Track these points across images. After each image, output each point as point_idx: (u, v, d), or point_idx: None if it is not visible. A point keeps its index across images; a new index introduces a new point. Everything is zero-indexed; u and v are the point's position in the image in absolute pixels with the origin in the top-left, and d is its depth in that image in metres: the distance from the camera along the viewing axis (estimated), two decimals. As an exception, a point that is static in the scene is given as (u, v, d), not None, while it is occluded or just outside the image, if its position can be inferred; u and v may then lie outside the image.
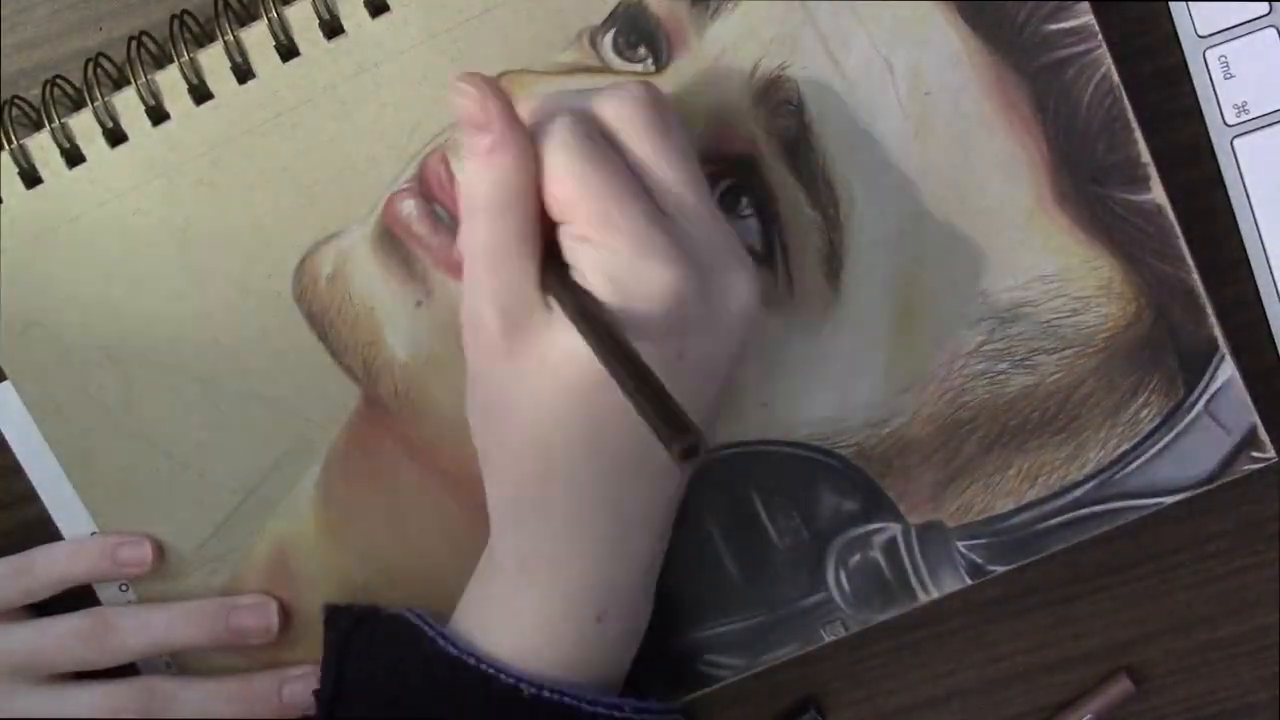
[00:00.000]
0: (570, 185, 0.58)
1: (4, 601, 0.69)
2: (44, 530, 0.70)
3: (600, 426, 0.59)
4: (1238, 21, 0.67)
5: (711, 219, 0.60)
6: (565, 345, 0.58)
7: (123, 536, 0.70)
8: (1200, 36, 0.67)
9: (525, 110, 0.61)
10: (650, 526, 0.63)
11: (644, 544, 0.63)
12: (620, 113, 0.60)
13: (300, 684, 0.69)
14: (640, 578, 0.63)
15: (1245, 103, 0.67)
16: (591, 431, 0.59)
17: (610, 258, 0.58)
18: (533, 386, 0.59)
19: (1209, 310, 0.65)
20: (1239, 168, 0.67)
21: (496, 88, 0.59)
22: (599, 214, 0.58)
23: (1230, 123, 0.67)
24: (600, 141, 0.59)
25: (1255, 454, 0.66)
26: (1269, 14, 0.66)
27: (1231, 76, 0.67)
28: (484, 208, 0.59)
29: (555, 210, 0.59)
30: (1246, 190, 0.68)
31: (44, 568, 0.70)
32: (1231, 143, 0.67)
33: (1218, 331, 0.65)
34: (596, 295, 0.58)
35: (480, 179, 0.59)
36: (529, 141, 0.59)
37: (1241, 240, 0.68)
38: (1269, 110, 0.67)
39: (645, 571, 0.63)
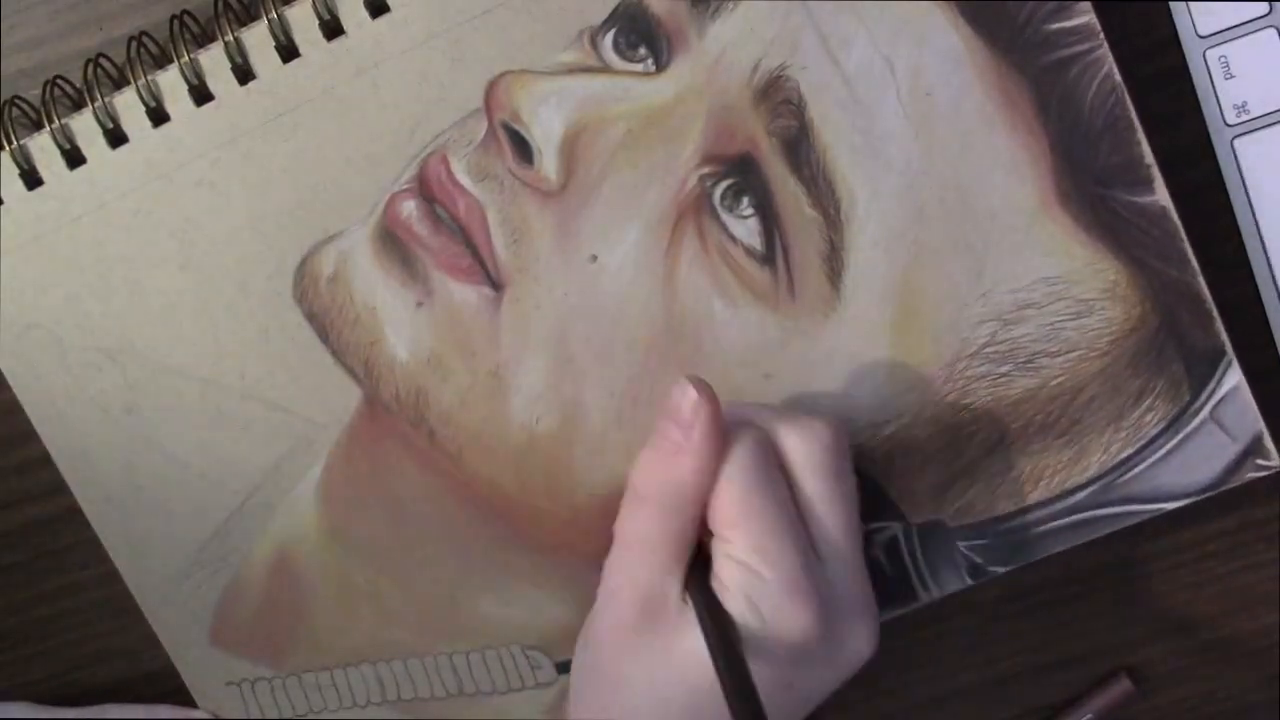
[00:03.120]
0: (738, 510, 0.60)
1: None
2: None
3: None
4: (1238, 21, 0.66)
5: (858, 569, 0.63)
6: (692, 648, 0.60)
7: (191, 711, 0.72)
8: (1200, 36, 0.67)
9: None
10: None
11: None
12: (803, 450, 0.62)
13: None
14: None
15: (1245, 103, 0.67)
16: None
17: (757, 585, 0.60)
18: (650, 674, 0.61)
19: (1215, 315, 0.65)
20: (1239, 168, 0.67)
21: (714, 399, 0.61)
22: (758, 545, 0.60)
23: (1230, 123, 0.67)
24: (776, 473, 0.61)
25: (1260, 461, 0.66)
26: (1269, 14, 0.66)
27: (1231, 76, 0.67)
28: (653, 501, 0.61)
29: (716, 523, 0.61)
30: (1247, 190, 0.68)
31: None
32: (1232, 143, 0.67)
33: (1224, 337, 0.65)
34: (731, 611, 0.60)
35: (656, 473, 0.61)
36: (718, 455, 0.61)
37: (1242, 241, 0.68)
38: (1269, 110, 0.67)
39: None
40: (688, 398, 0.60)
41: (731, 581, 0.60)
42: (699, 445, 0.60)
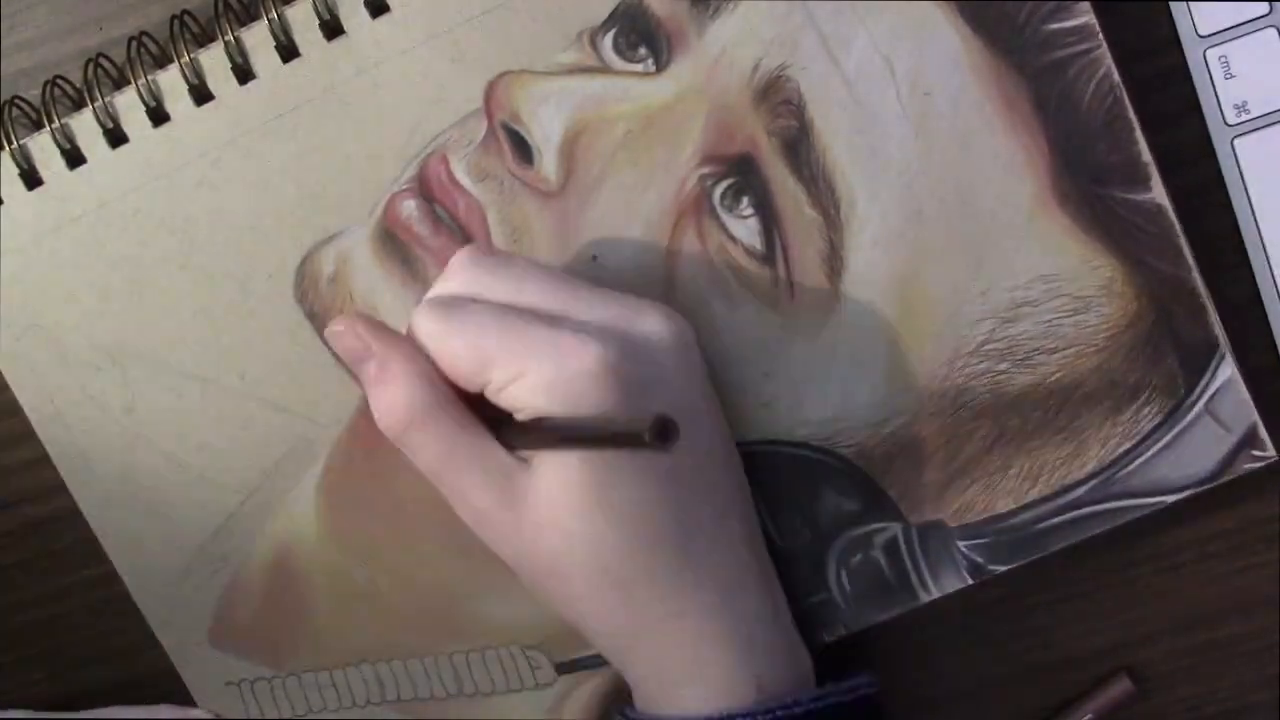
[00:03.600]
0: (460, 355, 0.60)
1: None
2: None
3: (640, 508, 0.60)
4: (1238, 21, 0.66)
5: (596, 294, 0.62)
6: (560, 476, 0.60)
7: (188, 709, 0.71)
8: (1200, 36, 0.67)
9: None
10: (737, 562, 0.63)
11: (741, 552, 0.64)
12: (460, 281, 0.62)
13: None
14: (757, 568, 0.64)
15: (1245, 102, 0.67)
16: (637, 521, 0.60)
17: (535, 379, 0.59)
18: (559, 529, 0.60)
19: (1210, 310, 0.65)
20: (1239, 168, 0.67)
21: (362, 316, 0.63)
22: (498, 356, 0.60)
23: (1230, 123, 0.67)
24: (463, 302, 0.61)
25: (1256, 453, 0.66)
26: (1269, 14, 0.66)
27: (1232, 76, 0.67)
28: (412, 424, 0.61)
29: (469, 383, 0.61)
30: (1247, 190, 0.68)
31: None
32: (1232, 143, 0.67)
33: (1218, 331, 0.65)
34: (546, 414, 0.59)
35: (389, 402, 0.61)
36: (410, 346, 0.61)
37: (1242, 240, 0.68)
38: (1269, 110, 0.67)
39: (759, 563, 0.65)
40: (344, 334, 0.62)
41: (520, 399, 0.60)
42: (386, 349, 0.61)
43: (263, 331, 0.67)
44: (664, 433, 0.50)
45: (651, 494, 0.60)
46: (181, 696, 0.72)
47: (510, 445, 0.61)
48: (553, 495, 0.60)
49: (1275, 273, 0.68)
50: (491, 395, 0.61)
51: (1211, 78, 0.67)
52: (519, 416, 0.60)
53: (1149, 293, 0.65)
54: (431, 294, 0.63)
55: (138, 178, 0.67)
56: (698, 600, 0.61)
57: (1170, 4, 0.67)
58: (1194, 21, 0.67)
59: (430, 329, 0.61)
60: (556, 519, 0.60)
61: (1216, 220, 0.68)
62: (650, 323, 0.62)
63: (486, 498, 0.61)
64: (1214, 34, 0.67)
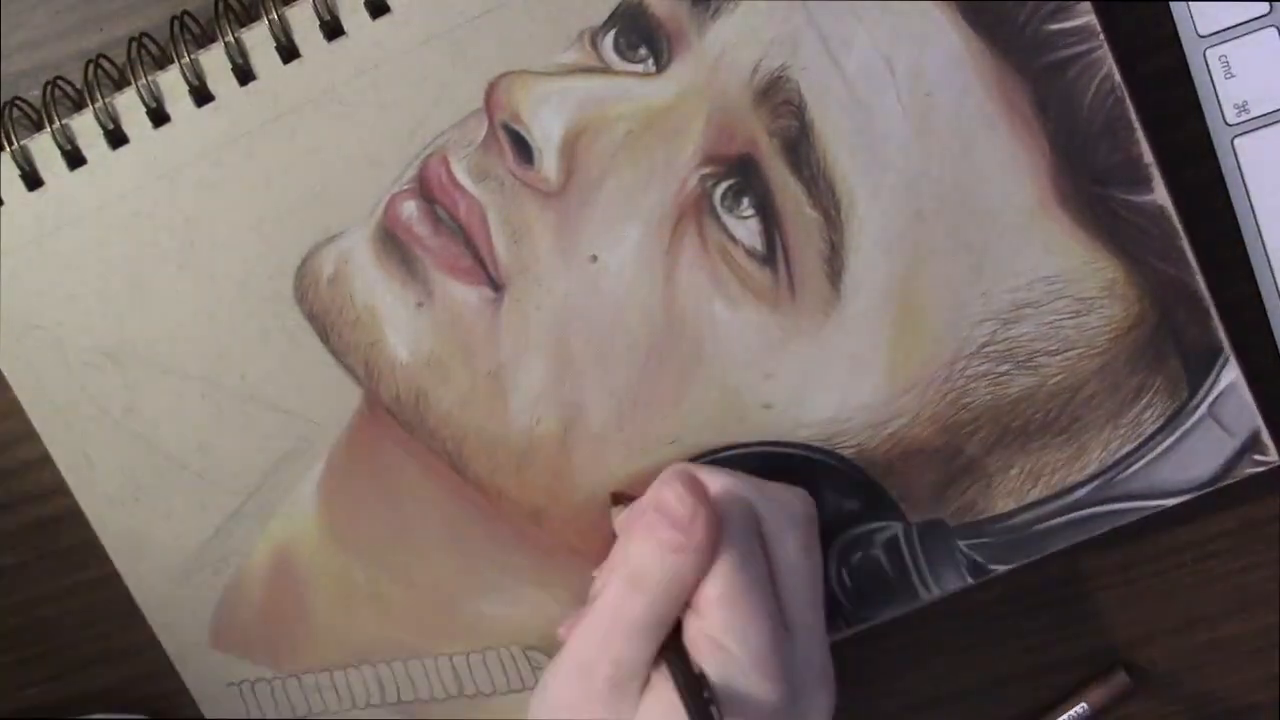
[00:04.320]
0: (722, 593, 0.61)
1: None
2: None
3: None
4: (1238, 21, 0.66)
5: (821, 641, 0.64)
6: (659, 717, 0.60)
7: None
8: (1200, 36, 0.67)
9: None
10: None
11: None
12: (781, 523, 0.63)
13: None
14: None
15: (1246, 102, 0.67)
16: None
17: (728, 662, 0.60)
18: None
19: (1213, 313, 0.65)
20: (1239, 168, 0.67)
21: (707, 496, 0.61)
22: (734, 623, 0.60)
23: (1231, 122, 0.67)
24: (757, 550, 0.62)
25: (1258, 457, 0.66)
26: (1269, 14, 0.66)
27: (1232, 76, 0.67)
28: (650, 590, 0.61)
29: (696, 599, 0.61)
30: (1247, 190, 0.67)
31: None
32: (1232, 142, 0.67)
33: (1222, 334, 0.65)
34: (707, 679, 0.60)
35: (654, 564, 0.61)
36: (712, 553, 0.61)
37: (1242, 240, 0.68)
38: (1269, 110, 0.67)
39: None
40: (683, 501, 0.61)
41: (703, 655, 0.61)
42: (700, 544, 0.61)
43: (263, 332, 0.67)
44: None
45: None
46: (182, 697, 0.72)
47: (664, 656, 0.61)
48: None
49: (1275, 273, 0.68)
50: (691, 623, 0.62)
51: (1211, 78, 0.67)
52: (691, 647, 0.61)
53: (1151, 294, 0.65)
54: (759, 502, 0.63)
55: (138, 178, 0.67)
56: None
57: (1170, 4, 0.67)
58: (1194, 21, 0.67)
59: (736, 563, 0.61)
60: None
61: (1217, 220, 0.68)
62: (825, 696, 0.64)
63: (609, 671, 0.61)
64: (1214, 34, 0.67)
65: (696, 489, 0.61)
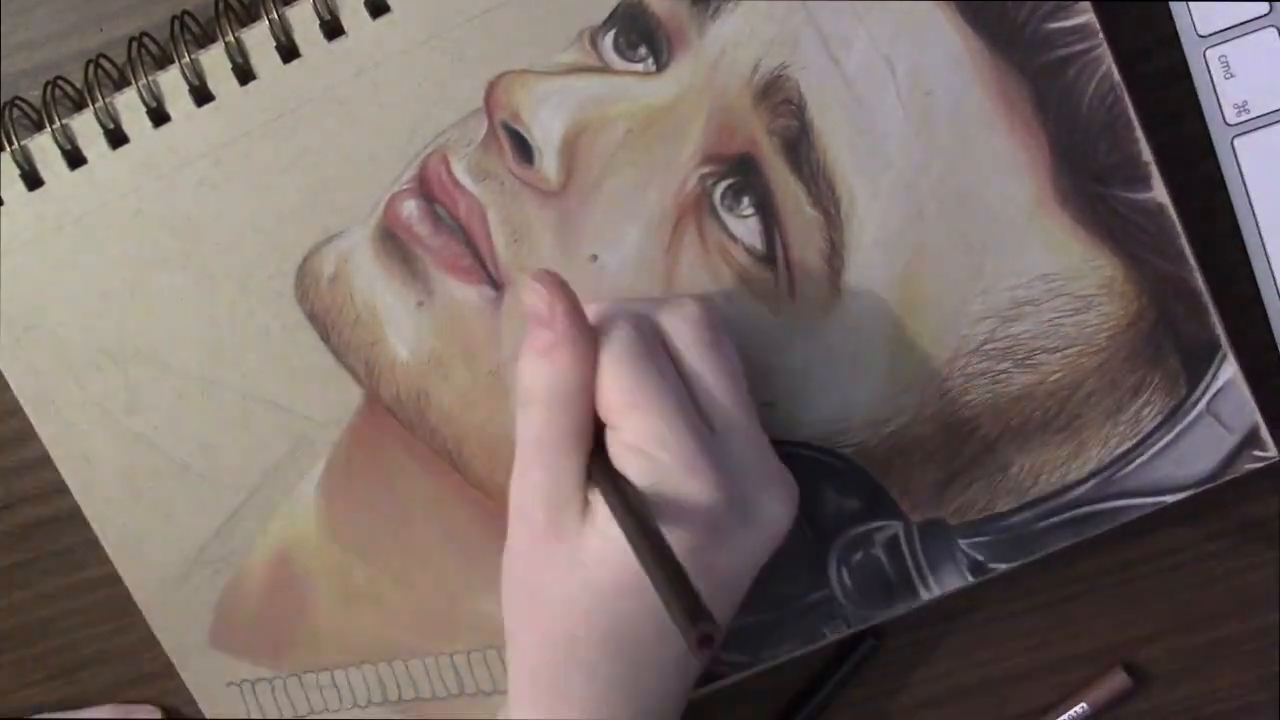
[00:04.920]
0: (624, 396, 0.60)
1: None
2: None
3: (625, 626, 0.61)
4: (1238, 21, 0.66)
5: (755, 436, 0.62)
6: (601, 545, 0.60)
7: (133, 706, 0.73)
8: (1200, 36, 0.67)
9: (591, 312, 0.62)
10: (663, 716, 0.64)
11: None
12: (678, 328, 0.62)
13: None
14: None
15: (1245, 102, 0.67)
16: (616, 630, 0.61)
17: (655, 469, 0.59)
18: (565, 579, 0.61)
19: (1211, 309, 0.65)
20: (1239, 167, 0.67)
21: (565, 288, 0.61)
22: (650, 427, 0.59)
23: (1230, 122, 0.67)
24: (658, 353, 0.61)
25: (1257, 453, 0.66)
26: (1269, 14, 0.66)
27: (1232, 76, 0.67)
28: (539, 401, 0.61)
29: (606, 414, 0.61)
30: (1247, 190, 0.68)
31: None
32: (1232, 142, 0.67)
33: (1220, 330, 0.65)
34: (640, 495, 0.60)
35: (537, 373, 0.61)
36: (590, 344, 0.61)
37: (1242, 240, 0.68)
38: (1269, 110, 0.67)
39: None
40: (539, 293, 0.60)
41: (631, 469, 0.60)
42: (567, 335, 0.60)
43: (263, 331, 0.67)
44: (704, 641, 0.51)
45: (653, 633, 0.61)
46: (182, 696, 0.72)
47: (592, 480, 0.61)
48: (582, 555, 0.61)
49: (1275, 273, 0.68)
50: (610, 438, 0.61)
51: (1211, 77, 0.67)
52: (617, 463, 0.61)
53: (1150, 292, 0.65)
54: (644, 311, 0.63)
55: (138, 178, 0.67)
56: (614, 711, 0.62)
57: (1170, 4, 0.67)
58: (1194, 21, 0.67)
59: (616, 350, 0.60)
60: (569, 573, 0.61)
61: (1216, 220, 0.68)
62: (774, 496, 0.62)
63: (539, 502, 0.61)
64: (1214, 34, 0.67)
65: (551, 283, 0.60)
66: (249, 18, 0.67)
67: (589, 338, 0.61)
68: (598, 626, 0.61)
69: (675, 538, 0.57)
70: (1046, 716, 0.73)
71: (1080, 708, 0.73)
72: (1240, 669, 0.73)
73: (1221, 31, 0.67)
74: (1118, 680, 0.72)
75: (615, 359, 0.60)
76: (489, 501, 0.68)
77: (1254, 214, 0.68)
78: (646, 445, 0.59)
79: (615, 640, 0.61)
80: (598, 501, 0.60)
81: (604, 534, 0.60)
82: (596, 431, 0.62)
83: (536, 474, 0.61)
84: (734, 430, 0.62)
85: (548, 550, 0.61)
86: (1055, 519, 0.67)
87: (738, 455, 0.61)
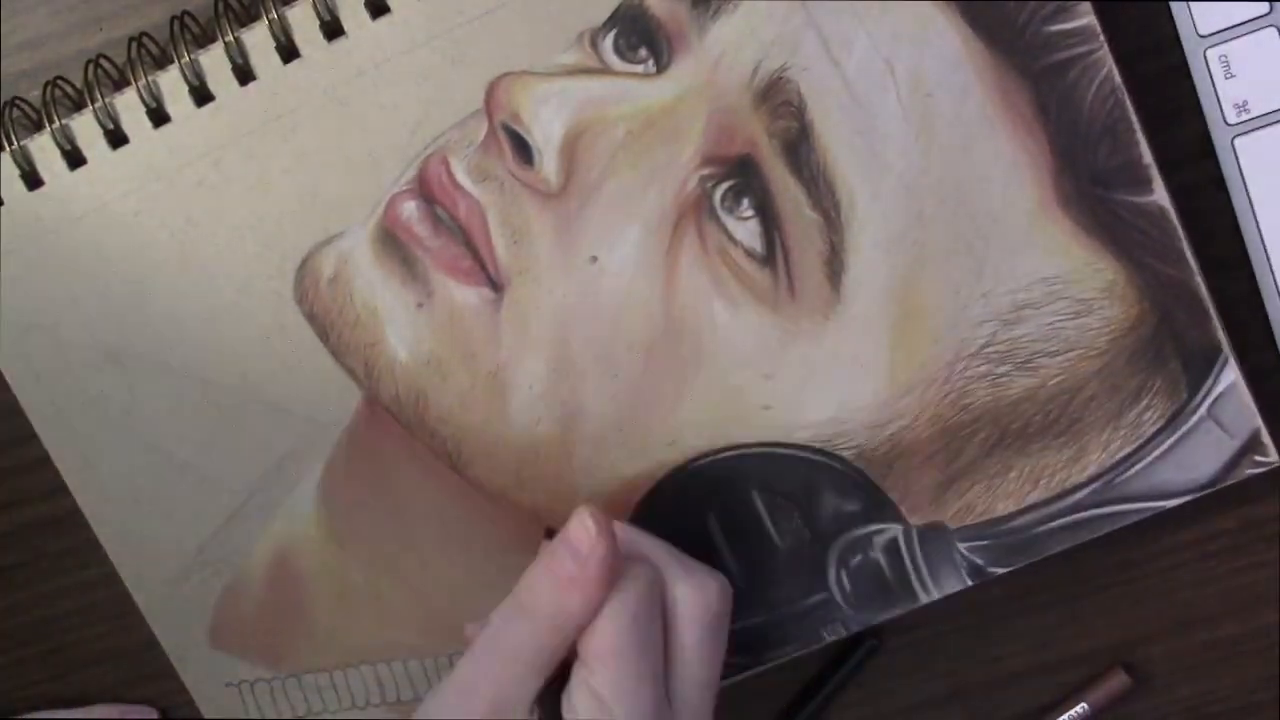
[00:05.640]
0: (610, 645, 0.60)
1: None
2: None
3: None
4: (1238, 21, 0.66)
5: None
6: None
7: (130, 707, 0.73)
8: (1200, 36, 0.67)
9: (620, 534, 0.62)
10: None
11: None
12: (693, 601, 0.62)
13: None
14: None
15: (1246, 102, 0.67)
16: None
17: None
18: None
19: (1212, 313, 0.65)
20: (1240, 167, 0.67)
21: (610, 536, 0.60)
22: (620, 683, 0.60)
23: (1231, 122, 0.67)
24: (656, 615, 0.61)
25: (1258, 458, 0.66)
26: (1269, 14, 0.66)
27: (1232, 76, 0.67)
28: (537, 619, 0.61)
29: (585, 648, 0.61)
30: (1247, 190, 0.68)
31: None
32: (1232, 142, 0.67)
33: (1221, 335, 0.65)
34: None
35: (548, 596, 0.61)
36: (608, 589, 0.61)
37: (1242, 240, 0.68)
38: (1270, 110, 0.67)
39: None
40: (587, 531, 0.60)
41: (584, 710, 0.60)
42: (591, 580, 0.60)
43: (263, 332, 0.67)
44: None
45: None
46: (182, 696, 0.72)
47: (541, 703, 0.61)
48: None
49: (1275, 273, 0.68)
50: (578, 672, 0.61)
51: (1211, 77, 0.67)
52: (564, 705, 0.61)
53: (1151, 296, 0.65)
54: (672, 574, 0.63)
55: (138, 178, 0.67)
56: None
57: (1170, 3, 0.67)
58: (1194, 21, 0.67)
59: (631, 614, 0.60)
60: None
61: (1216, 220, 0.68)
62: None
63: (486, 705, 0.60)
64: (1214, 34, 0.67)
65: (603, 526, 0.61)
66: (249, 18, 0.67)
67: (610, 584, 0.61)
68: None
69: None
70: (1046, 716, 0.73)
71: (1080, 708, 0.73)
72: (1240, 669, 0.73)
73: (1221, 31, 0.67)
74: (1118, 680, 0.72)
75: (621, 608, 0.60)
76: (488, 502, 0.68)
77: (1254, 214, 0.68)
78: (608, 695, 0.60)
79: None
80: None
81: None
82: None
83: (501, 678, 0.61)
84: (691, 714, 0.62)
85: None
86: (1055, 523, 0.67)
87: None
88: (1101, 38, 0.63)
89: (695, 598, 0.62)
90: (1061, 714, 0.73)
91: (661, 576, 0.62)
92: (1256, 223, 0.68)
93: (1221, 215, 0.68)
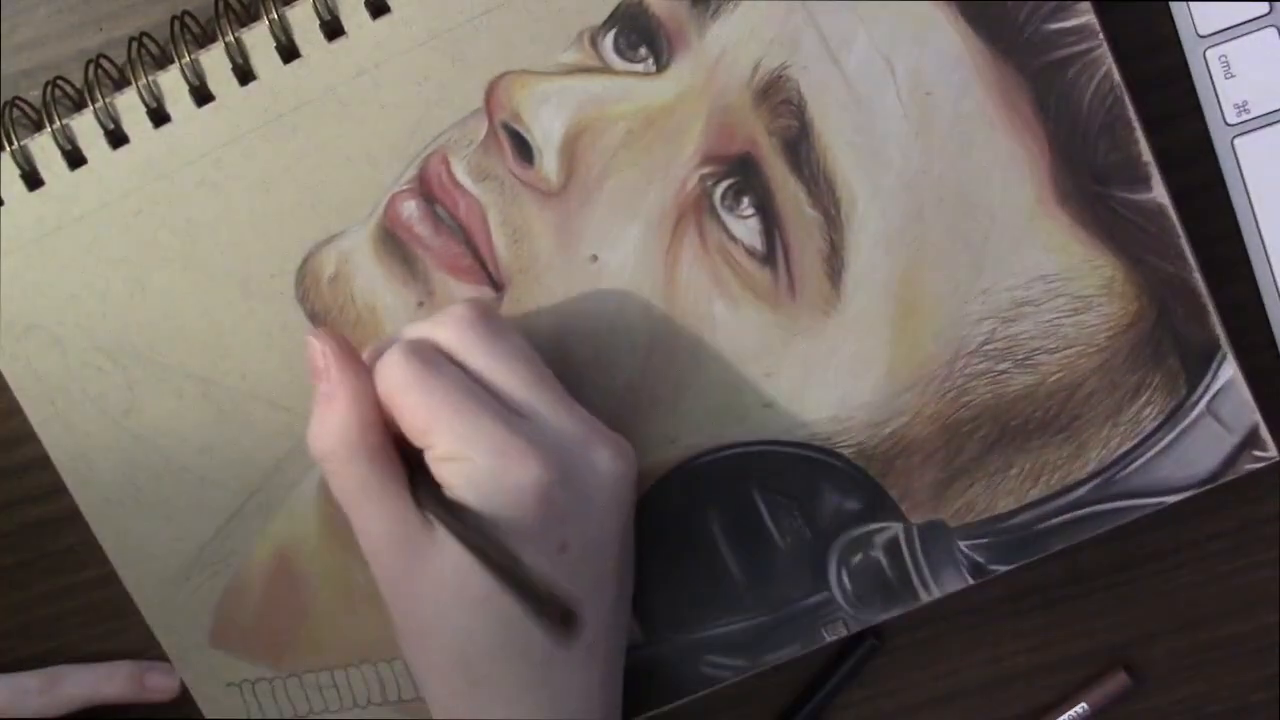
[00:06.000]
0: (419, 416, 0.61)
1: (27, 711, 0.71)
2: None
3: (509, 630, 0.61)
4: (1238, 21, 0.66)
5: (565, 408, 0.63)
6: (454, 561, 0.60)
7: (153, 664, 0.73)
8: (1200, 36, 0.67)
9: (366, 355, 0.63)
10: (588, 704, 0.64)
11: (594, 693, 0.64)
12: (451, 334, 0.63)
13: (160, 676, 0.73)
14: (601, 712, 0.64)
15: (1246, 102, 0.67)
16: (503, 638, 0.61)
17: (472, 469, 0.60)
18: (437, 605, 0.61)
19: (1211, 309, 0.65)
20: (1239, 167, 0.67)
21: (335, 335, 0.62)
22: (454, 435, 0.60)
23: (1231, 122, 0.67)
24: (440, 363, 0.62)
25: (1257, 453, 0.66)
26: (1269, 14, 0.66)
27: (1232, 76, 0.67)
28: (333, 454, 0.62)
29: (413, 439, 0.62)
30: (1247, 190, 0.68)
31: (73, 685, 0.72)
32: (1232, 142, 0.67)
33: (1219, 330, 0.65)
34: (468, 505, 0.60)
35: (325, 427, 0.62)
36: (367, 382, 0.62)
37: (1242, 240, 0.68)
38: (1269, 110, 0.67)
39: (605, 708, 0.65)
40: (313, 348, 0.62)
41: (452, 478, 0.60)
42: (340, 378, 0.61)
43: (264, 332, 0.67)
44: (564, 622, 0.53)
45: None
46: (182, 696, 0.72)
47: (421, 503, 0.62)
48: (443, 575, 0.61)
49: (1275, 273, 0.68)
50: (428, 459, 0.61)
51: (1211, 78, 0.67)
52: (445, 492, 0.61)
53: (1150, 292, 0.65)
54: (416, 333, 0.63)
55: (138, 178, 0.67)
56: (535, 715, 0.62)
57: (1170, 3, 0.67)
58: (1194, 21, 0.67)
59: (396, 375, 0.61)
60: (438, 597, 0.61)
61: (1216, 220, 0.68)
62: (602, 456, 0.63)
63: (380, 545, 0.62)
64: (1214, 34, 0.67)
65: (323, 334, 0.62)
66: (249, 18, 0.67)
67: (364, 376, 0.62)
68: (484, 638, 0.61)
69: (517, 527, 0.59)
70: (1046, 716, 0.73)
71: (1080, 708, 0.73)
72: (1240, 669, 0.73)
73: (1221, 31, 0.67)
74: (1118, 680, 0.72)
75: (395, 385, 0.61)
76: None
77: (1254, 214, 0.68)
78: (458, 452, 0.60)
79: (507, 646, 0.61)
80: (438, 523, 0.61)
81: (454, 550, 0.60)
82: (416, 456, 0.62)
83: (370, 522, 0.62)
84: (541, 408, 0.62)
85: (411, 586, 0.62)
86: (1056, 520, 0.67)
87: (553, 430, 0.62)
88: (1100, 35, 0.63)
89: (450, 329, 0.63)
90: (1061, 714, 0.73)
91: (414, 341, 0.63)
92: (1256, 223, 0.68)
93: (1221, 215, 0.68)
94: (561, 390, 0.64)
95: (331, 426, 0.61)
